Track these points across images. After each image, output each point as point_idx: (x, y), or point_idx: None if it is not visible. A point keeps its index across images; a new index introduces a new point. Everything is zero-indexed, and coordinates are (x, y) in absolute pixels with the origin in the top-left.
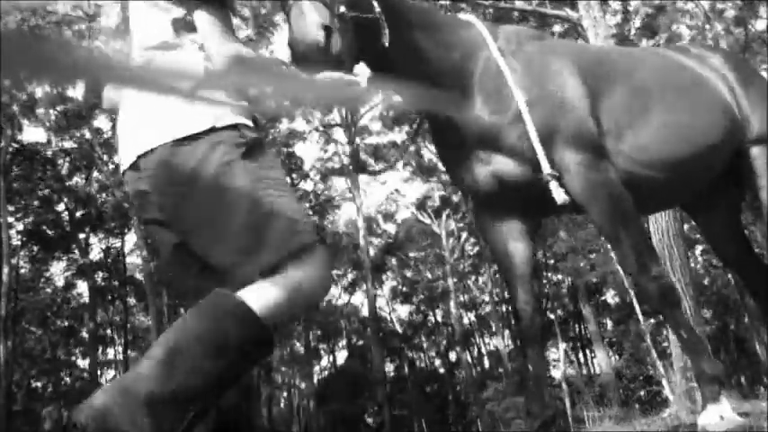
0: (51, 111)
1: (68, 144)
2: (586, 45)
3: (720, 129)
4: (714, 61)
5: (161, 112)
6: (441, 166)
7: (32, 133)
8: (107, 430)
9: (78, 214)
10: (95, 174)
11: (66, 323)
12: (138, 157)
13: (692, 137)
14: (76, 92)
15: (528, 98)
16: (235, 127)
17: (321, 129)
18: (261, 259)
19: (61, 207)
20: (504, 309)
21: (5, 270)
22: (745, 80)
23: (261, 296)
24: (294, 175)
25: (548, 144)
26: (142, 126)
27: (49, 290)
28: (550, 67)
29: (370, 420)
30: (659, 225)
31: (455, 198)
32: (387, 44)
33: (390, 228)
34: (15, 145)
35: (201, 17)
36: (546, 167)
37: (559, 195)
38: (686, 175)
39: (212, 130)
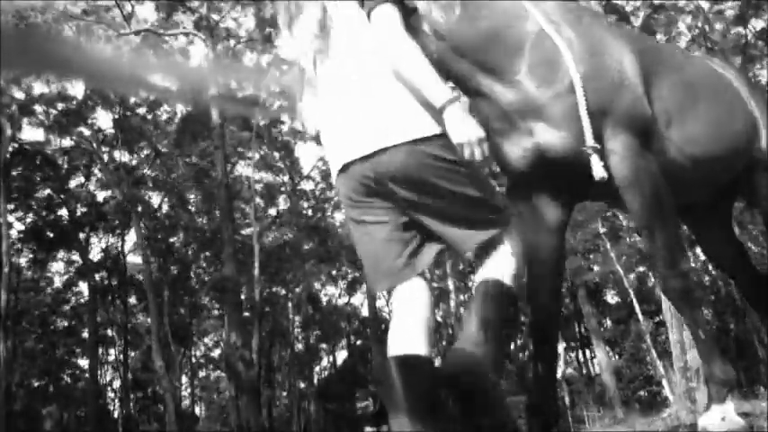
0: (51, 109)
1: (68, 143)
2: (641, 33)
3: (746, 135)
4: (730, 74)
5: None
6: None
7: (32, 133)
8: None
9: (79, 212)
10: (96, 173)
11: (66, 323)
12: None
13: (727, 138)
14: (76, 90)
15: (584, 71)
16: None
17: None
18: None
19: (61, 207)
20: None
21: (6, 270)
22: (755, 94)
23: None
24: (295, 175)
25: (598, 121)
26: (375, 126)
27: (49, 289)
28: (608, 41)
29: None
30: None
31: None
32: None
33: None
34: (15, 145)
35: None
36: (590, 140)
37: (598, 170)
38: (715, 173)
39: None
